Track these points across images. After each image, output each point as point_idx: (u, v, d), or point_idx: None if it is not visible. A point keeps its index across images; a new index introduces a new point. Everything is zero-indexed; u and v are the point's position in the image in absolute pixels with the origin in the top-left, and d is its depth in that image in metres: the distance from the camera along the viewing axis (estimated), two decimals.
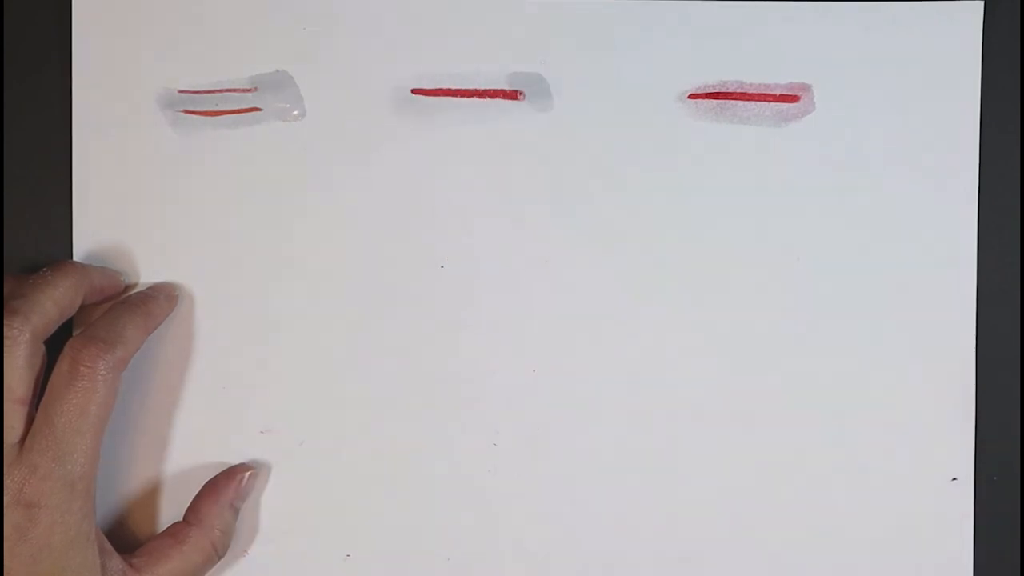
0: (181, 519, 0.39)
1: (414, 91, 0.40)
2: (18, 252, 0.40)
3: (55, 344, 0.36)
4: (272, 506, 0.40)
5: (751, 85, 0.40)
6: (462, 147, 0.40)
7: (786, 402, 0.40)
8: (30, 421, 0.35)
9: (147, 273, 0.40)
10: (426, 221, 0.40)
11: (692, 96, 0.40)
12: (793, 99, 0.40)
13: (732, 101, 0.40)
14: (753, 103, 0.40)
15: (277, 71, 0.40)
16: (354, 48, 0.40)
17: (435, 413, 0.40)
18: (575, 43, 0.40)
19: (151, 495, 0.40)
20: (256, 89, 0.40)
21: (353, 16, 0.40)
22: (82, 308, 0.37)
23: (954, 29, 0.40)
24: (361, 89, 0.40)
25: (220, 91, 0.39)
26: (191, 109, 0.40)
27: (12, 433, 0.34)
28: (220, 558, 0.39)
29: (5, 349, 0.34)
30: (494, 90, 0.40)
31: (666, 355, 0.40)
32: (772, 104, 0.40)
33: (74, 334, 0.36)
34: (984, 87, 0.40)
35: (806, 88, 0.40)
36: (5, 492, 0.34)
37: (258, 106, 0.40)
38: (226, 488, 0.39)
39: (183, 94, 0.40)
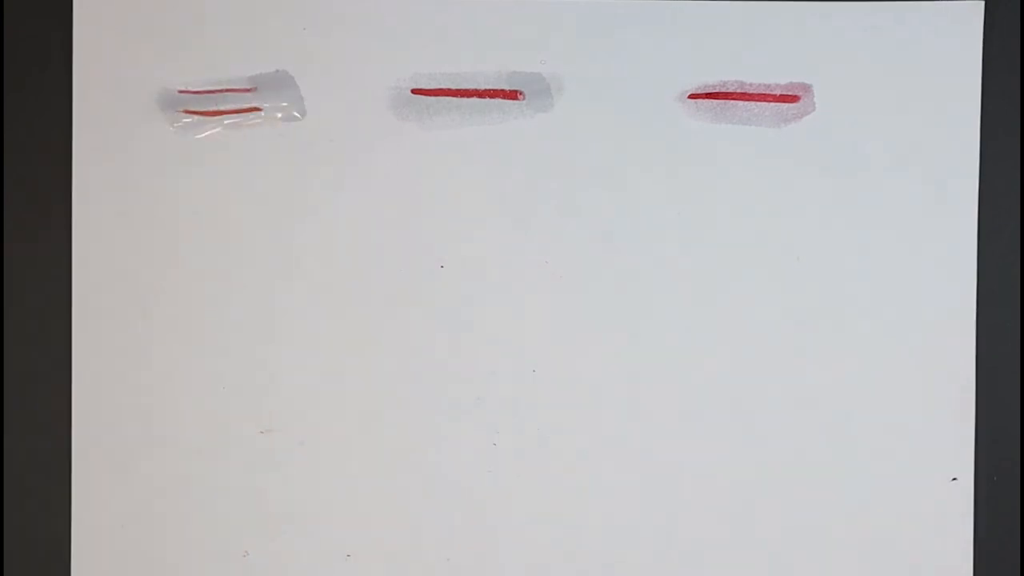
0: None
1: (414, 91, 0.40)
2: (18, 252, 0.40)
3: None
4: (272, 506, 0.40)
5: (751, 85, 0.40)
6: (462, 147, 0.40)
7: (786, 402, 0.40)
8: None
9: (147, 273, 0.40)
10: (426, 221, 0.40)
11: (692, 96, 0.40)
12: (793, 99, 0.40)
13: (732, 101, 0.40)
14: (753, 103, 0.40)
15: (277, 71, 0.40)
16: (354, 48, 0.40)
17: (435, 413, 0.40)
18: (575, 43, 0.40)
19: (151, 495, 0.40)
20: (256, 89, 0.40)
21: (353, 16, 0.40)
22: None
23: (954, 29, 0.40)
24: (361, 89, 0.40)
25: (220, 91, 0.39)
26: (191, 109, 0.40)
27: None
28: None
29: None
30: (494, 90, 0.40)
31: (666, 355, 0.40)
32: (772, 104, 0.40)
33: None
34: (984, 87, 0.40)
35: (806, 88, 0.40)
36: None
37: (258, 106, 0.40)
38: None
39: (183, 94, 0.40)
